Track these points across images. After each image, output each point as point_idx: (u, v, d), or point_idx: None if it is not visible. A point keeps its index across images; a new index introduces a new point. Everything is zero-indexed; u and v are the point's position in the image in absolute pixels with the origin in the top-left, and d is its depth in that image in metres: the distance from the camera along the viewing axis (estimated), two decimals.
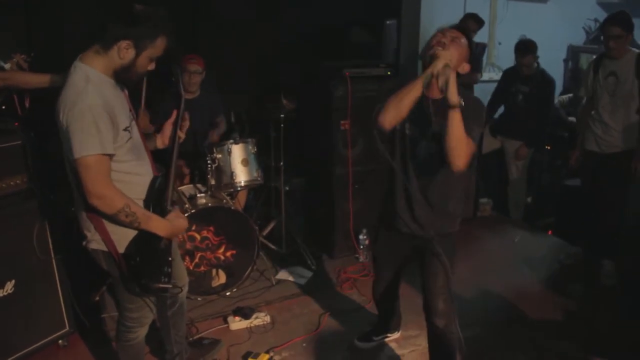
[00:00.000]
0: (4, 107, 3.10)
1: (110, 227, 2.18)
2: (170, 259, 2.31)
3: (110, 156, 2.06)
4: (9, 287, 2.79)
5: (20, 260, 2.83)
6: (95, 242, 2.23)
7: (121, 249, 2.22)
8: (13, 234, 2.79)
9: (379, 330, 3.27)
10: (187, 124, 2.49)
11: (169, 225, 2.25)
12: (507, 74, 5.21)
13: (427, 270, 2.60)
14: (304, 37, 4.88)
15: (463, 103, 2.20)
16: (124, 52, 2.06)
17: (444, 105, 2.23)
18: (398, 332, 3.34)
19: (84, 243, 2.27)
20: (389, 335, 3.30)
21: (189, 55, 4.12)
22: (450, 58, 2.23)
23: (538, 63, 4.95)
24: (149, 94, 3.61)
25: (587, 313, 3.67)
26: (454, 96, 2.18)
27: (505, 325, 3.53)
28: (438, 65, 2.19)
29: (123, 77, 2.15)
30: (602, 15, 7.14)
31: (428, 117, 2.36)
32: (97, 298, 3.62)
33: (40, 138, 2.92)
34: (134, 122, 2.25)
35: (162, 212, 2.28)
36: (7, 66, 2.97)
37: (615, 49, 3.80)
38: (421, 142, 2.46)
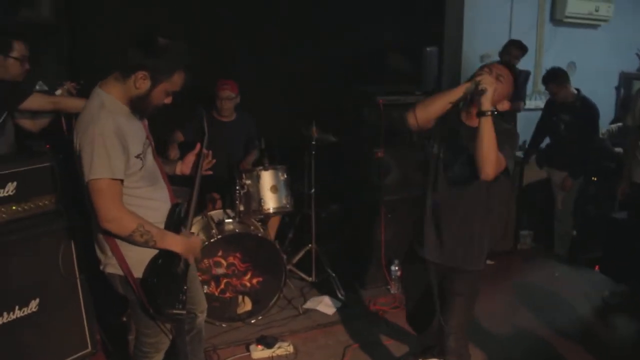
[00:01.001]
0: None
1: (125, 251, 2.18)
2: (185, 286, 2.28)
3: (121, 181, 2.06)
4: (33, 305, 2.83)
5: (45, 279, 2.87)
6: (111, 266, 2.23)
7: (137, 273, 2.21)
8: (39, 253, 2.84)
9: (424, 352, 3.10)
10: (209, 160, 2.53)
11: (184, 241, 2.26)
12: (549, 103, 5.04)
13: (444, 307, 2.57)
14: (341, 61, 4.84)
15: (496, 112, 2.23)
16: (140, 82, 2.08)
17: (479, 114, 2.23)
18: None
19: (100, 267, 2.28)
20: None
21: (222, 81, 4.16)
22: (493, 82, 2.26)
23: (578, 90, 4.77)
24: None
25: (631, 358, 3.43)
26: (487, 103, 2.20)
27: None
28: (484, 81, 2.23)
29: (138, 106, 2.16)
30: None
31: (462, 142, 2.36)
32: (124, 319, 3.63)
33: (69, 160, 2.97)
34: (149, 150, 2.26)
35: None
36: (58, 92, 3.25)
37: None
38: (454, 166, 2.44)
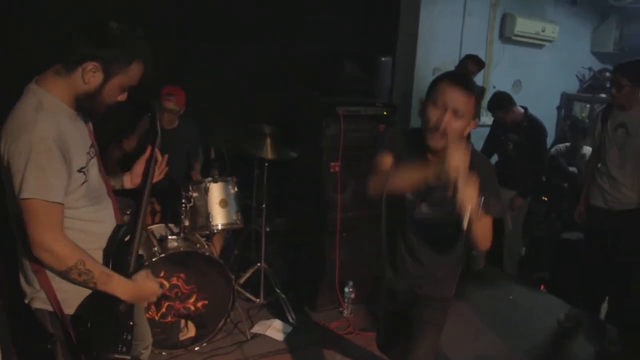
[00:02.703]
0: None
1: (57, 284, 1.79)
2: (131, 323, 1.92)
3: (60, 205, 1.69)
4: None
5: None
6: (40, 301, 1.84)
7: (69, 310, 1.83)
8: None
9: None
10: (163, 166, 2.14)
11: (134, 287, 1.86)
12: (496, 122, 4.99)
13: (411, 336, 2.38)
14: (294, 67, 4.58)
15: (482, 199, 1.85)
16: (89, 76, 1.71)
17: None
18: None
19: (25, 301, 1.88)
20: None
21: (168, 89, 3.77)
22: (465, 164, 1.83)
23: (526, 109, 4.75)
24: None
25: None
26: (473, 205, 1.82)
27: None
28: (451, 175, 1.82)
29: (86, 106, 1.78)
30: (595, 64, 7.09)
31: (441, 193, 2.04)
32: (49, 346, 3.18)
33: None
34: (93, 161, 1.88)
35: (124, 268, 1.90)
36: None
37: (619, 99, 3.57)
38: (420, 205, 2.21)
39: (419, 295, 2.38)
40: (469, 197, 1.81)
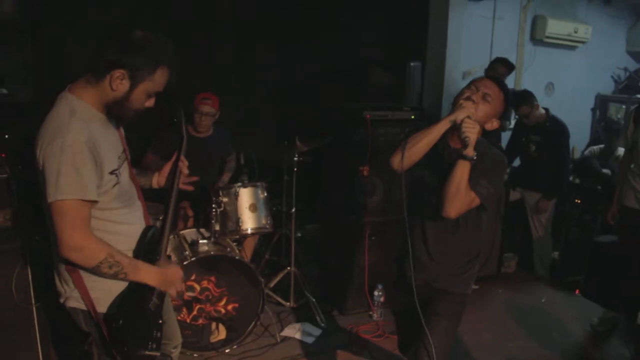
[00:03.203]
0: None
1: (90, 283, 1.87)
2: (160, 321, 1.98)
3: (92, 203, 1.76)
4: None
5: None
6: (74, 300, 1.92)
7: (102, 308, 1.91)
8: None
9: None
10: (185, 171, 2.19)
11: (160, 273, 1.95)
12: (518, 123, 4.95)
13: (424, 328, 2.34)
14: (322, 77, 4.64)
15: (475, 158, 2.16)
16: (117, 83, 1.79)
17: (459, 154, 2.17)
18: None
19: (61, 300, 1.96)
20: None
21: (202, 95, 3.87)
22: (473, 112, 2.20)
23: (547, 110, 4.70)
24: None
25: None
26: (469, 151, 2.14)
27: None
28: (460, 115, 2.17)
29: (115, 112, 1.87)
30: (631, 64, 6.94)
31: (447, 166, 2.23)
32: (86, 347, 3.28)
33: (28, 172, 2.66)
34: (125, 165, 1.96)
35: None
36: None
37: None
38: (440, 191, 2.27)
39: (435, 289, 2.41)
40: (472, 131, 2.12)
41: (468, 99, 2.22)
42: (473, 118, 2.17)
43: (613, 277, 4.03)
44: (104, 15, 3.92)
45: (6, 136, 3.10)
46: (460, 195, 2.16)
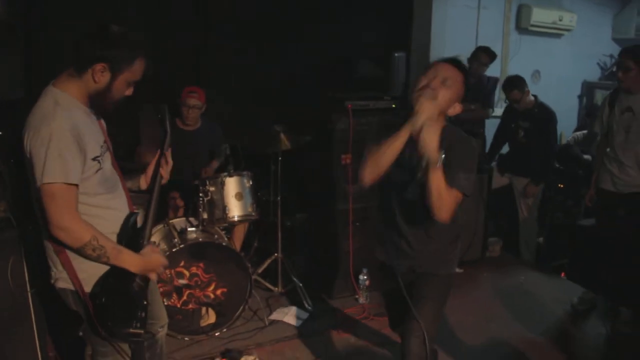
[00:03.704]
0: None
1: (78, 265, 2.01)
2: (145, 302, 2.12)
3: (77, 186, 1.90)
4: None
5: None
6: (63, 281, 2.06)
7: (89, 288, 2.05)
8: None
9: None
10: (169, 165, 2.30)
11: (142, 260, 2.08)
12: (507, 110, 5.07)
13: (410, 311, 2.39)
14: (308, 68, 4.74)
15: (444, 155, 2.11)
16: (98, 76, 1.94)
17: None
18: None
19: (51, 281, 2.10)
20: None
21: (189, 88, 4.01)
22: (432, 111, 2.11)
23: (536, 96, 4.80)
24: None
25: None
26: (432, 155, 2.06)
27: None
28: (417, 123, 2.08)
29: (98, 102, 2.02)
30: (617, 51, 6.98)
31: (417, 161, 2.22)
32: (81, 333, 3.42)
33: (20, 165, 2.79)
34: (107, 154, 2.10)
35: (137, 251, 2.10)
36: None
37: (626, 82, 3.61)
38: (410, 186, 2.32)
39: (419, 273, 2.45)
40: (428, 144, 2.02)
41: (425, 88, 2.16)
42: (432, 112, 2.11)
43: (593, 260, 4.15)
44: (101, 15, 4.01)
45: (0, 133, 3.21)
46: (444, 198, 2.12)
